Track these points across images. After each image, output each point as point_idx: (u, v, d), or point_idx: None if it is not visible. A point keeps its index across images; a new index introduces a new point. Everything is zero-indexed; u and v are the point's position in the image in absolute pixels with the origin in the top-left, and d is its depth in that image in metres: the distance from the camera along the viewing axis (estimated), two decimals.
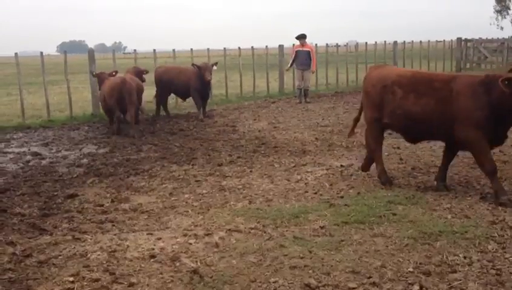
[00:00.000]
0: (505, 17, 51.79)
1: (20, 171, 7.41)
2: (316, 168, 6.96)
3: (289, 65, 15.05)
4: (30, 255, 4.32)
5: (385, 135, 9.03)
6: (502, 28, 51.54)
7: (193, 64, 11.91)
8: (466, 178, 6.24)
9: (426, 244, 4.28)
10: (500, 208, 5.09)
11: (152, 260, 4.16)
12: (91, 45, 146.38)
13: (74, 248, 4.45)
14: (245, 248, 4.33)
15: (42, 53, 12.82)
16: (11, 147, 9.19)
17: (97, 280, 3.81)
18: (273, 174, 6.72)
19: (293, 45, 15.22)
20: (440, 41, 22.08)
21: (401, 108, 5.69)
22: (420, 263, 3.95)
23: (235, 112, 12.70)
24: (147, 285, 3.75)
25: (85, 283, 3.78)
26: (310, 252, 4.20)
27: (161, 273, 3.92)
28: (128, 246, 4.44)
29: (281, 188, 6.09)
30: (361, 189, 5.90)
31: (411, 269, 3.86)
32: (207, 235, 4.65)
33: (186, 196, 5.96)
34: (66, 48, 32.14)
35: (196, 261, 4.10)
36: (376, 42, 18.92)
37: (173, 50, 14.95)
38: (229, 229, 4.76)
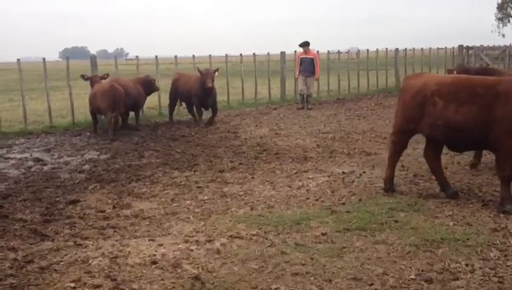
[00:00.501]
0: (506, 25, 51.97)
1: (22, 177, 7.42)
2: (317, 175, 6.96)
3: (297, 72, 15.06)
4: (32, 261, 4.31)
5: (386, 142, 9.08)
6: (503, 36, 51.71)
7: (198, 69, 11.90)
8: (468, 185, 6.23)
9: (428, 252, 4.28)
10: (502, 215, 5.08)
11: (153, 266, 4.15)
12: (93, 51, 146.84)
13: (76, 253, 4.45)
14: (246, 254, 4.32)
15: (44, 59, 12.85)
16: (13, 153, 9.20)
17: (98, 286, 3.81)
18: (275, 181, 6.72)
19: (295, 52, 15.27)
20: (442, 49, 22.11)
21: (442, 119, 5.43)
22: (422, 271, 3.94)
23: (237, 119, 12.71)
24: None
25: (86, 289, 3.78)
26: (312, 259, 4.19)
27: (162, 280, 3.91)
28: (129, 252, 4.44)
29: (282, 195, 6.09)
30: (362, 196, 5.89)
31: (413, 277, 3.85)
32: (209, 241, 4.64)
33: (188, 202, 5.96)
34: (69, 54, 32.33)
35: (198, 268, 4.09)
36: (377, 49, 18.97)
37: (175, 56, 14.97)
38: (231, 236, 4.76)
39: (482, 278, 3.81)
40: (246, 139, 9.90)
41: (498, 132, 5.14)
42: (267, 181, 6.73)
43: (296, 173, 7.12)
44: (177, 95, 12.38)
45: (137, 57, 15.35)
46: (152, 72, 13.20)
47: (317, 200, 5.84)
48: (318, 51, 15.64)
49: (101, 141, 10.18)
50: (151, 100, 13.07)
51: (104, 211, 5.68)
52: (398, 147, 6.07)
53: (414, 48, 20.99)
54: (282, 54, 17.01)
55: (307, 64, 14.61)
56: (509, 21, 51.75)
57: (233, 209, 5.62)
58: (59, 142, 10.13)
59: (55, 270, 4.14)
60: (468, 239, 4.49)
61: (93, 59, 13.32)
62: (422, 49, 20.33)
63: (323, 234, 4.71)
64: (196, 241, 4.66)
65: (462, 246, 4.36)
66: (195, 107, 12.03)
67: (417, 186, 6.24)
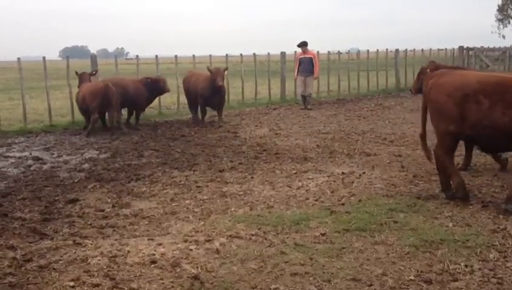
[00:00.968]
0: (506, 26, 51.97)
1: (21, 175, 7.41)
2: (317, 175, 6.96)
3: (296, 73, 15.06)
4: (31, 260, 4.31)
5: (386, 142, 9.11)
6: (503, 37, 51.73)
7: (208, 68, 11.82)
8: (467, 187, 6.22)
9: (428, 253, 4.27)
10: (501, 216, 5.08)
11: (152, 265, 4.15)
12: (93, 50, 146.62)
13: (75, 252, 4.45)
14: (246, 254, 4.32)
15: (44, 58, 12.85)
16: (13, 152, 9.19)
17: (97, 285, 3.81)
18: (275, 181, 6.72)
19: (295, 52, 15.29)
20: (442, 50, 22.12)
21: (488, 119, 5.13)
22: (421, 271, 3.94)
23: (237, 118, 12.71)
24: None
25: (85, 288, 3.78)
26: (311, 259, 4.19)
27: (161, 279, 3.91)
28: (128, 251, 4.44)
29: (282, 195, 6.09)
30: (362, 196, 5.89)
31: (412, 277, 3.85)
32: (208, 241, 4.64)
33: (187, 201, 5.96)
34: (69, 53, 32.32)
35: (197, 267, 4.09)
36: (377, 50, 18.97)
37: (176, 56, 14.97)
38: (230, 236, 4.75)
39: (481, 279, 3.81)
40: (245, 139, 9.90)
41: None
42: (266, 181, 6.73)
43: (295, 173, 7.12)
44: (190, 93, 12.28)
45: (137, 56, 15.35)
46: (152, 72, 13.18)
47: (316, 200, 5.83)
48: (318, 52, 15.65)
49: (100, 140, 10.18)
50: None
51: (103, 210, 5.68)
52: (449, 153, 5.59)
53: (414, 49, 20.97)
54: (283, 54, 17.02)
55: (306, 64, 14.64)
56: (509, 22, 51.74)
57: (232, 209, 5.62)
58: (59, 141, 10.13)
59: (54, 269, 4.13)
60: (467, 240, 4.49)
61: (93, 58, 13.34)
62: (422, 50, 20.33)
63: (322, 235, 4.71)
64: (196, 241, 4.65)
65: (461, 247, 4.35)
66: (200, 106, 11.94)
67: (417, 187, 6.23)
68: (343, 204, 5.64)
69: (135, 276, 3.97)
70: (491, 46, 24.78)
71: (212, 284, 3.81)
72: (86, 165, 7.94)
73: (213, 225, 5.07)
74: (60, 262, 4.26)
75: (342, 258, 4.20)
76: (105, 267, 4.13)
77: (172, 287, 3.79)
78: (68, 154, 8.87)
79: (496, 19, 52.33)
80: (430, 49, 20.73)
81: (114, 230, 5.04)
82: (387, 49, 19.84)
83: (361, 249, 4.38)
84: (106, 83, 10.84)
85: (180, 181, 6.84)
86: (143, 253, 4.39)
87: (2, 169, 7.83)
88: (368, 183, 6.47)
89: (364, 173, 6.99)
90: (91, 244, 4.64)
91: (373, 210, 5.32)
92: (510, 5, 51.51)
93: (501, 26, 51.97)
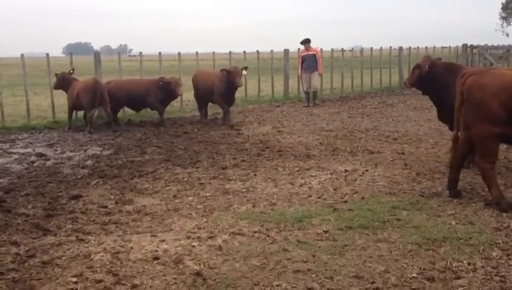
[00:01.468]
0: (510, 24, 51.80)
1: (24, 171, 7.43)
2: (320, 173, 6.95)
3: (299, 70, 15.03)
4: (34, 256, 4.32)
5: (389, 140, 9.10)
6: (507, 35, 51.61)
7: (222, 70, 11.19)
8: (471, 184, 6.21)
9: (430, 250, 4.27)
10: (504, 214, 5.07)
11: (155, 262, 4.16)
12: (96, 47, 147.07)
13: (78, 248, 4.46)
14: (248, 251, 4.32)
15: (48, 54, 12.87)
16: (16, 148, 9.22)
17: (100, 281, 3.82)
18: (277, 178, 6.72)
19: (299, 49, 15.27)
20: (446, 47, 22.06)
21: None
22: (424, 269, 3.93)
23: (240, 116, 12.71)
24: (151, 287, 3.75)
25: (88, 284, 3.79)
26: (314, 256, 4.19)
27: (164, 276, 3.92)
28: (131, 247, 4.45)
29: (284, 192, 6.09)
30: (365, 194, 5.88)
31: (414, 275, 3.84)
32: (211, 238, 4.64)
33: (190, 198, 5.96)
34: (72, 50, 32.32)
35: (200, 264, 4.10)
36: (381, 47, 18.93)
37: (179, 53, 14.96)
38: (233, 233, 4.76)
39: (484, 277, 3.80)
40: (248, 136, 9.90)
41: None
42: (269, 178, 6.73)
43: (298, 170, 7.12)
44: (198, 91, 12.08)
45: (140, 53, 15.36)
46: (155, 69, 13.18)
47: (319, 197, 5.83)
48: (321, 49, 15.63)
49: (104, 136, 10.20)
50: None
51: (106, 207, 5.69)
52: (491, 158, 5.32)
53: (418, 47, 20.92)
54: (286, 51, 17.00)
55: (310, 61, 14.61)
56: None
57: (235, 206, 5.62)
58: (62, 138, 10.16)
59: (57, 264, 4.15)
60: (470, 238, 4.48)
61: (97, 55, 13.35)
62: (426, 47, 20.30)
63: (325, 232, 4.71)
64: (198, 237, 4.66)
65: (464, 245, 4.35)
66: (218, 102, 11.54)
67: (420, 185, 6.22)
68: (346, 201, 5.64)
69: (138, 272, 3.98)
70: (495, 44, 24.72)
71: (214, 280, 3.82)
72: (89, 162, 7.96)
73: (215, 222, 5.08)
74: (63, 258, 4.27)
75: (344, 256, 4.20)
76: (107, 263, 4.14)
77: (175, 283, 3.80)
78: (71, 151, 8.90)
79: (500, 16, 52.18)
80: (434, 47, 20.73)
81: (117, 226, 5.05)
82: (390, 47, 19.79)
83: (363, 247, 4.38)
84: (95, 78, 11.03)
85: (183, 178, 6.85)
86: (146, 249, 4.40)
87: (6, 165, 7.86)
88: (371, 180, 6.46)
89: (366, 170, 6.98)
90: (94, 240, 4.65)
91: (375, 208, 5.31)
92: None
93: (505, 24, 51.84)
